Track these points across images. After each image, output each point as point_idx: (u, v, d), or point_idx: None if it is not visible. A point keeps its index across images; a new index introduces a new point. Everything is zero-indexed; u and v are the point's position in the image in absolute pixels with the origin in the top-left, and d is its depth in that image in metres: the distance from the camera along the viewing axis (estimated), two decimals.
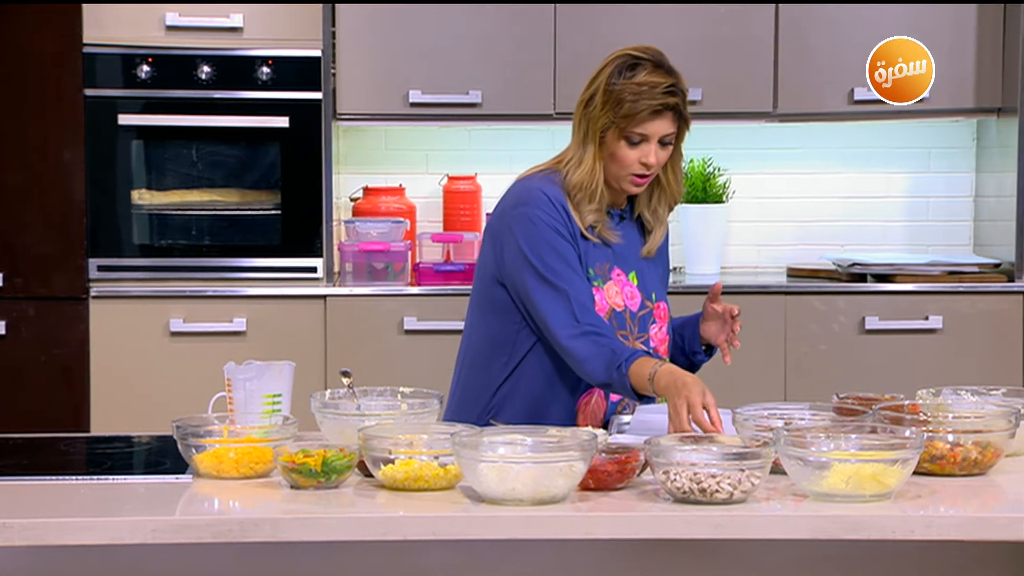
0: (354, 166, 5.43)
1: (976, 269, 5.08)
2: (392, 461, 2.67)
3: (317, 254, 4.97)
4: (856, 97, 5.09)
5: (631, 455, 2.69)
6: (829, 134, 5.49)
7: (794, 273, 5.33)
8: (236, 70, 4.94)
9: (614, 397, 3.25)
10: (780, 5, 5.08)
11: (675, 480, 2.58)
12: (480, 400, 3.27)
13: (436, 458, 2.68)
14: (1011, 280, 5.04)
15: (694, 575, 2.80)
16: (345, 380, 3.07)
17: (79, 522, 2.52)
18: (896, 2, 5.08)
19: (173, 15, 4.90)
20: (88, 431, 4.83)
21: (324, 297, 4.94)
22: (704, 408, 2.95)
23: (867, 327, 4.99)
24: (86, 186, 4.90)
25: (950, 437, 2.78)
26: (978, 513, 2.61)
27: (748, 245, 5.51)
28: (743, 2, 5.08)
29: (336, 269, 5.12)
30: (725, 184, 5.35)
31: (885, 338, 4.99)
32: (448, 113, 5.09)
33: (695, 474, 2.57)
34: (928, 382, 3.33)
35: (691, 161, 5.36)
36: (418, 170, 5.43)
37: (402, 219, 5.15)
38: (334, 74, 5.00)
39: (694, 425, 2.93)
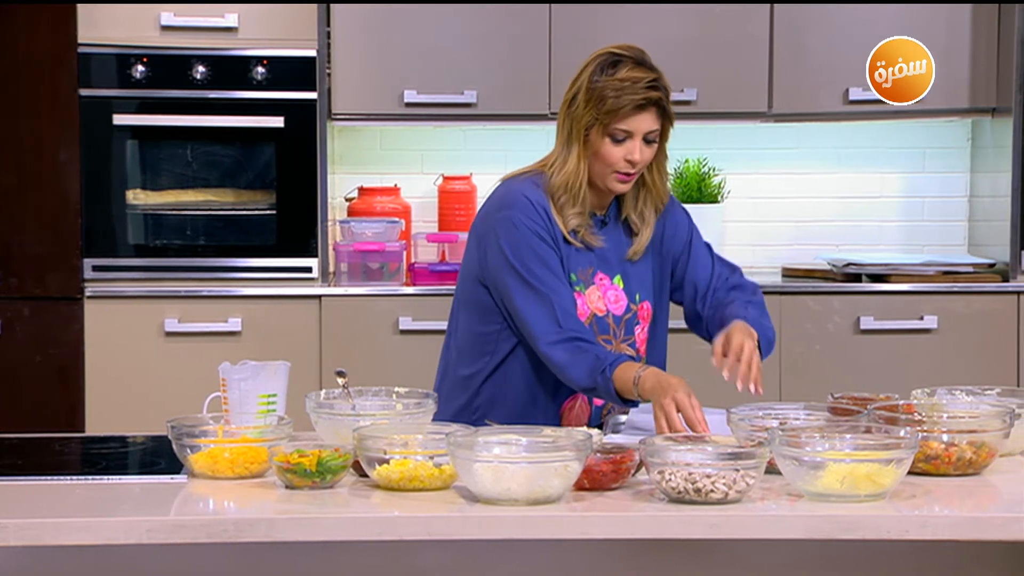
0: (349, 166, 5.43)
1: (971, 269, 5.09)
2: (387, 461, 2.67)
3: (312, 254, 4.97)
4: (851, 97, 5.09)
5: (626, 455, 2.69)
6: (824, 134, 5.49)
7: (789, 273, 5.33)
8: (231, 70, 4.94)
9: (598, 402, 3.24)
10: (775, 5, 5.08)
11: (670, 480, 2.58)
12: (464, 394, 3.27)
13: (431, 458, 2.68)
14: (1006, 280, 5.04)
15: (689, 575, 2.80)
16: (340, 380, 3.07)
17: (74, 522, 2.52)
18: (892, 2, 5.08)
19: (168, 15, 4.90)
20: (83, 431, 4.83)
21: (319, 297, 4.94)
22: (680, 408, 2.96)
23: (862, 327, 4.99)
24: (81, 186, 4.89)
25: (945, 437, 2.78)
26: (973, 513, 2.61)
27: (743, 245, 5.51)
28: (738, 2, 5.08)
29: (331, 269, 5.12)
30: (720, 184, 5.35)
31: (880, 338, 5.00)
32: (443, 113, 5.09)
33: (690, 474, 2.57)
34: (923, 382, 3.33)
35: (686, 161, 5.36)
36: (413, 170, 5.43)
37: (397, 219, 5.15)
38: (329, 74, 5.00)
39: (684, 424, 2.94)
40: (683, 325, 5.03)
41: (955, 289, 5.02)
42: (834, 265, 5.16)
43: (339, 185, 5.37)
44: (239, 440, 2.80)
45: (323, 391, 3.09)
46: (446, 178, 5.33)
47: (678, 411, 2.97)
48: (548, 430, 2.77)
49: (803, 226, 5.53)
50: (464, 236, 5.12)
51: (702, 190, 5.31)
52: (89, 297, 4.90)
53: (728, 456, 2.61)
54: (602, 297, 3.24)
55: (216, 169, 5.00)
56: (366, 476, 2.72)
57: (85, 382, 4.90)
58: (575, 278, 3.21)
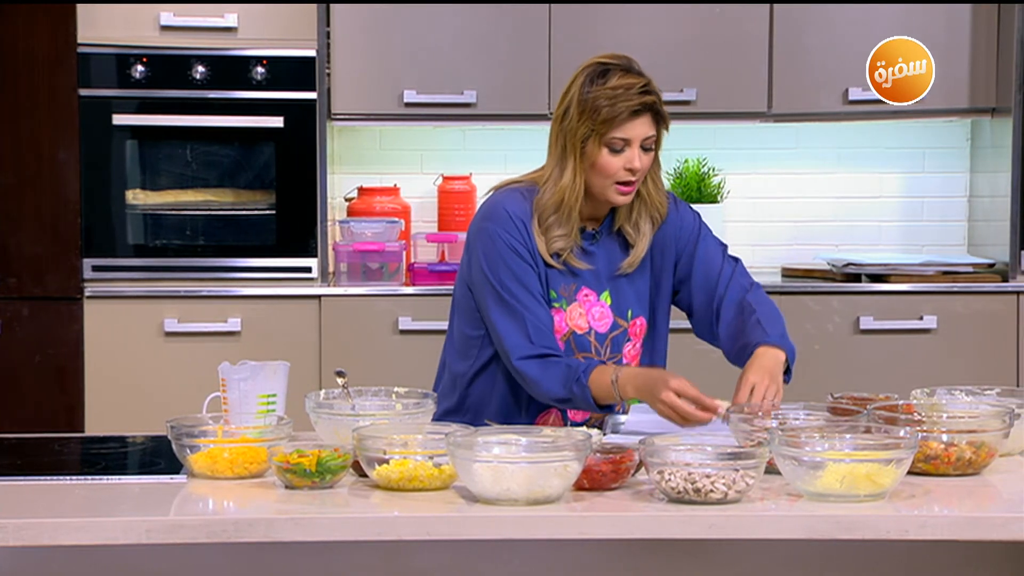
0: (349, 166, 5.43)
1: (970, 269, 5.09)
2: (387, 461, 2.67)
3: (312, 254, 4.97)
4: (851, 97, 5.09)
5: (625, 455, 2.69)
6: (824, 134, 5.49)
7: (789, 273, 5.33)
8: (231, 70, 4.94)
9: (572, 415, 3.23)
10: (775, 5, 5.08)
11: (670, 480, 2.58)
12: (455, 393, 3.28)
13: (431, 458, 2.68)
14: (1005, 280, 5.04)
15: (689, 575, 2.80)
16: (339, 380, 3.07)
17: (73, 522, 2.52)
18: (891, 2, 5.08)
19: (167, 15, 4.90)
20: (82, 431, 4.83)
21: (319, 297, 4.94)
22: (680, 395, 2.94)
23: (862, 327, 4.99)
24: (80, 186, 4.89)
25: (944, 437, 2.78)
26: (972, 513, 2.61)
27: (743, 245, 5.50)
28: (738, 2, 5.08)
29: (331, 269, 5.12)
30: (720, 184, 5.36)
31: (880, 338, 5.00)
32: (443, 113, 5.09)
33: (690, 474, 2.57)
34: (922, 382, 3.33)
35: (686, 161, 5.36)
36: (413, 170, 5.43)
37: (397, 219, 5.15)
38: (329, 74, 5.00)
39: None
40: (684, 325, 5.04)
41: (955, 289, 5.02)
42: (834, 265, 5.16)
43: (339, 185, 5.37)
44: (239, 440, 2.80)
45: (323, 391, 3.09)
46: (446, 178, 5.33)
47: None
48: (548, 430, 2.78)
49: (803, 226, 5.53)
50: (463, 236, 5.13)
51: (702, 190, 5.32)
52: (89, 297, 4.90)
53: (727, 456, 2.61)
54: (585, 314, 3.22)
55: (216, 169, 5.00)
56: (366, 476, 2.72)
57: (84, 382, 4.89)
58: (555, 295, 3.20)
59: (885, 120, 5.30)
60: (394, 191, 5.31)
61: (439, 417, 3.14)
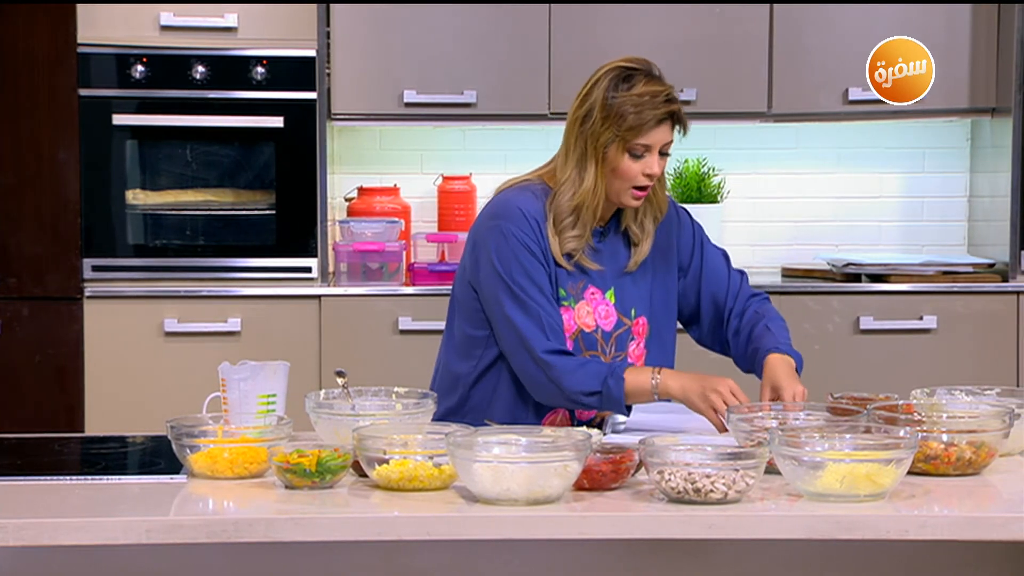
0: (349, 166, 5.43)
1: (970, 269, 5.09)
2: (387, 461, 2.67)
3: (312, 254, 4.97)
4: (851, 97, 5.09)
5: (625, 455, 2.69)
6: (824, 134, 5.49)
7: (789, 273, 5.33)
8: (231, 70, 4.94)
9: (580, 415, 3.23)
10: (775, 5, 5.08)
11: (670, 480, 2.58)
12: (455, 394, 3.28)
13: (431, 458, 2.68)
14: (1005, 280, 5.04)
15: (689, 575, 2.80)
16: (339, 380, 3.07)
17: (73, 522, 2.52)
18: (892, 2, 5.08)
19: (167, 15, 4.90)
20: (82, 431, 4.83)
21: (319, 297, 4.94)
22: (734, 394, 3.04)
23: (862, 327, 4.99)
24: (80, 186, 4.89)
25: (944, 437, 2.78)
26: (972, 513, 2.61)
27: (743, 245, 5.51)
28: (738, 2, 5.08)
29: (331, 269, 5.12)
30: (720, 184, 5.36)
31: (879, 338, 5.00)
32: (443, 113, 5.09)
33: (690, 474, 2.57)
34: (922, 382, 3.33)
35: (686, 161, 5.36)
36: (413, 170, 5.43)
37: (397, 219, 5.15)
38: (329, 74, 5.00)
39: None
40: None
41: (955, 289, 5.02)
42: (833, 265, 5.16)
43: (339, 185, 5.37)
44: (239, 440, 2.80)
45: (323, 391, 3.09)
46: (446, 178, 5.33)
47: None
48: (548, 430, 2.78)
49: (802, 226, 5.53)
50: (464, 236, 5.13)
51: (702, 190, 5.32)
52: (88, 297, 4.90)
53: (728, 456, 2.61)
54: (592, 312, 3.23)
55: (215, 169, 5.00)
56: (366, 476, 2.72)
57: (84, 382, 4.89)
58: (564, 293, 3.20)
59: (885, 120, 5.30)
60: (394, 191, 5.31)
61: (439, 417, 3.14)
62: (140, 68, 4.90)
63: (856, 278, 5.07)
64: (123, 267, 4.94)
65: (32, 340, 4.88)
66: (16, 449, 3.14)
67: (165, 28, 4.91)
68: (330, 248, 5.08)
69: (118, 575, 2.73)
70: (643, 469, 2.66)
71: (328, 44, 4.99)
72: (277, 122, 4.95)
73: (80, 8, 4.86)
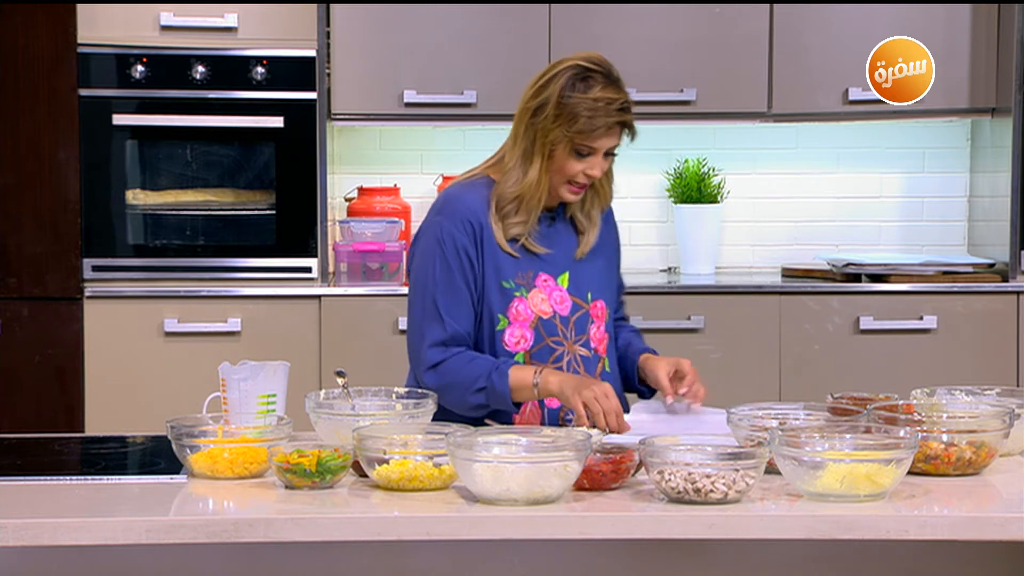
0: (349, 166, 5.43)
1: (970, 269, 5.09)
2: (387, 461, 2.67)
3: (312, 254, 4.97)
4: (851, 97, 5.09)
5: (625, 455, 2.69)
6: (824, 134, 5.49)
7: (789, 273, 5.33)
8: (231, 70, 4.94)
9: (549, 402, 3.23)
10: (775, 5, 5.08)
11: (670, 480, 2.58)
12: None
13: (431, 458, 2.68)
14: (1005, 280, 5.04)
15: (689, 575, 2.80)
16: (340, 380, 3.07)
17: (73, 522, 2.52)
18: (892, 2, 5.08)
19: (167, 15, 4.90)
20: (82, 431, 4.83)
21: (319, 297, 4.94)
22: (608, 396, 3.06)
23: (862, 327, 4.99)
24: (80, 186, 4.89)
25: (944, 437, 2.78)
26: (972, 513, 2.61)
27: (743, 245, 5.51)
28: (737, 2, 5.08)
29: (331, 269, 5.12)
30: (720, 184, 5.36)
31: (879, 338, 5.00)
32: (443, 113, 5.09)
33: (690, 474, 2.57)
34: (922, 382, 3.33)
35: (686, 161, 5.36)
36: (413, 170, 5.43)
37: (397, 219, 5.15)
38: (329, 74, 5.00)
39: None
40: (684, 325, 5.04)
41: (955, 289, 5.02)
42: (833, 265, 5.16)
43: (339, 185, 5.37)
44: (239, 440, 2.80)
45: (323, 391, 3.09)
46: (446, 178, 5.33)
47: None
48: (548, 430, 2.78)
49: (802, 226, 5.53)
50: None
51: (701, 190, 5.32)
52: (88, 297, 4.90)
53: (728, 456, 2.61)
54: (547, 299, 3.23)
55: (215, 169, 5.00)
56: (366, 476, 2.72)
57: (84, 382, 4.90)
58: (511, 284, 3.21)
59: (885, 120, 5.30)
60: (394, 191, 5.31)
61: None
62: (140, 68, 4.91)
63: (856, 278, 5.07)
64: (123, 267, 4.94)
65: (32, 340, 4.88)
66: (16, 449, 3.14)
67: (165, 28, 4.91)
68: (330, 248, 5.08)
69: (118, 575, 2.73)
70: (643, 469, 2.66)
71: (328, 44, 4.99)
72: (277, 122, 4.95)
73: (80, 8, 4.86)
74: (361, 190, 5.29)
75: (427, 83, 5.05)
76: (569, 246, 3.29)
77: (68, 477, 2.78)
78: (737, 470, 2.57)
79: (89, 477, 2.79)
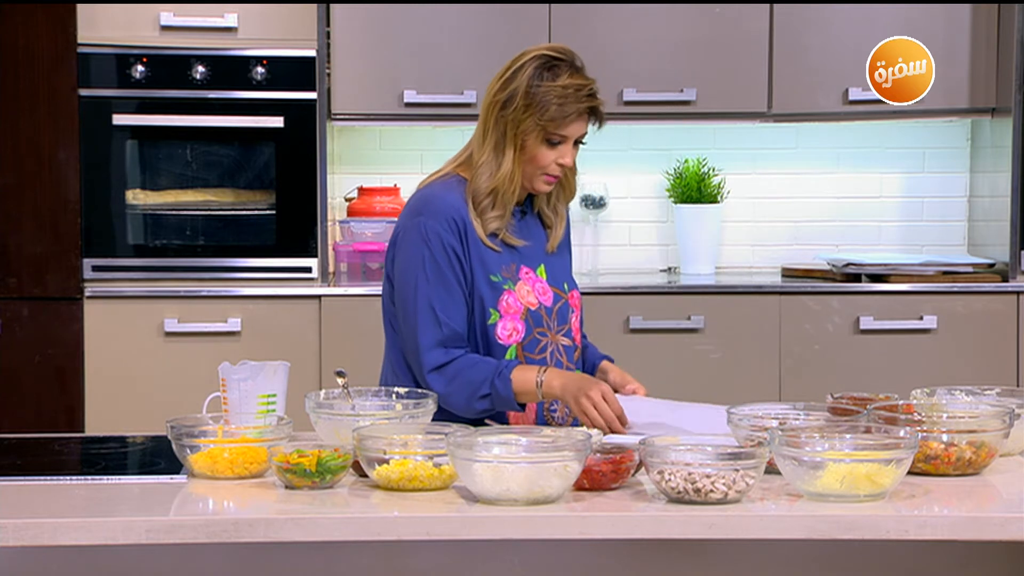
0: (349, 166, 5.43)
1: (970, 269, 5.09)
2: (387, 461, 2.67)
3: (312, 254, 4.97)
4: (851, 97, 5.09)
5: (625, 455, 2.69)
6: (824, 134, 5.49)
7: (789, 273, 5.33)
8: (231, 70, 4.94)
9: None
10: (775, 5, 5.08)
11: (670, 480, 2.58)
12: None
13: (431, 458, 2.68)
14: (1005, 280, 5.04)
15: (689, 575, 2.80)
16: (340, 380, 3.07)
17: (73, 522, 2.51)
18: (892, 2, 5.08)
19: (167, 15, 4.90)
20: (82, 431, 4.83)
21: (319, 297, 4.93)
22: (606, 400, 3.09)
23: (862, 327, 4.99)
24: (80, 186, 4.89)
25: (944, 437, 2.78)
26: (972, 513, 2.61)
27: (743, 245, 5.51)
28: (737, 2, 5.08)
29: (331, 269, 5.12)
30: (720, 184, 5.36)
31: (880, 338, 5.00)
32: (443, 113, 5.09)
33: (690, 474, 2.57)
34: (922, 382, 3.33)
35: (686, 161, 5.36)
36: (413, 170, 5.42)
37: (397, 219, 5.14)
38: (329, 74, 5.00)
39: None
40: (684, 325, 5.04)
41: (955, 289, 5.02)
42: (833, 265, 5.16)
43: (339, 185, 5.37)
44: (239, 440, 2.80)
45: (323, 391, 3.09)
46: None
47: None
48: (548, 430, 2.78)
49: (802, 226, 5.53)
50: None
51: (701, 190, 5.32)
52: (88, 297, 4.90)
53: (728, 456, 2.61)
54: (532, 291, 3.27)
55: (215, 169, 5.00)
56: (366, 476, 2.72)
57: (84, 382, 4.89)
58: (499, 278, 3.23)
59: (885, 120, 5.30)
60: (394, 191, 5.30)
61: None
62: (140, 68, 4.90)
63: (856, 278, 5.07)
64: (123, 267, 4.94)
65: (32, 340, 4.88)
66: (16, 449, 3.14)
67: (165, 28, 4.91)
68: (330, 248, 5.08)
69: (118, 575, 2.73)
70: (643, 469, 2.66)
71: (328, 44, 4.99)
72: (277, 122, 4.95)
73: (80, 8, 4.86)
74: (361, 190, 5.29)
75: (427, 83, 5.05)
76: (540, 240, 3.33)
77: (68, 477, 2.78)
78: (737, 470, 2.57)
79: (89, 477, 2.79)
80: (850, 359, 4.98)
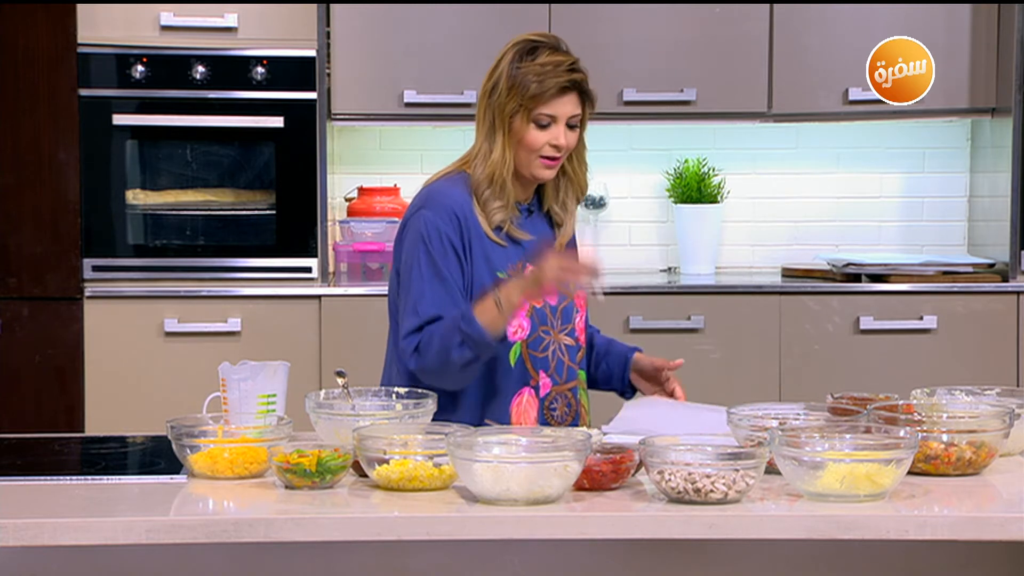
0: (349, 166, 5.43)
1: (970, 269, 5.09)
2: (387, 461, 2.67)
3: (312, 254, 4.97)
4: (851, 97, 5.09)
5: (625, 455, 2.69)
6: (824, 134, 5.49)
7: (789, 273, 5.33)
8: (231, 70, 4.94)
9: (545, 388, 3.24)
10: (775, 5, 5.08)
11: (670, 480, 2.58)
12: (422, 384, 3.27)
13: (431, 458, 2.68)
14: (1005, 280, 5.04)
15: (689, 575, 2.80)
16: (340, 380, 3.07)
17: (73, 522, 2.52)
18: (892, 2, 5.08)
19: (167, 15, 4.90)
20: (82, 431, 4.83)
21: (319, 297, 4.94)
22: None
23: (862, 327, 4.99)
24: (80, 186, 4.89)
25: (944, 437, 2.78)
26: (972, 513, 2.61)
27: (743, 245, 5.51)
28: (737, 2, 5.08)
29: (331, 269, 5.12)
30: (720, 184, 5.36)
31: (880, 338, 5.00)
32: (443, 113, 5.09)
33: (690, 474, 2.57)
34: (922, 382, 3.33)
35: (686, 161, 5.36)
36: (413, 170, 5.43)
37: (397, 219, 5.15)
38: (329, 74, 5.00)
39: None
40: (684, 325, 5.04)
41: (955, 289, 5.02)
42: (833, 265, 5.16)
43: (339, 185, 5.37)
44: (239, 440, 2.80)
45: (323, 391, 3.09)
46: None
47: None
48: (548, 430, 2.78)
49: (802, 226, 5.53)
50: None
51: (701, 190, 5.32)
52: (88, 297, 4.90)
53: (728, 456, 2.61)
54: None
55: (215, 169, 5.00)
56: (366, 476, 2.72)
57: (84, 382, 4.89)
58: (506, 275, 3.22)
59: (885, 120, 5.30)
60: (394, 191, 5.30)
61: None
62: (140, 68, 4.90)
63: (856, 278, 5.07)
64: (123, 267, 4.94)
65: (32, 340, 4.88)
66: (16, 449, 3.14)
67: (165, 28, 4.91)
68: (330, 248, 5.08)
69: (118, 575, 2.73)
70: (643, 469, 2.66)
71: (328, 44, 4.99)
72: (277, 122, 4.95)
73: (80, 8, 4.86)
74: (361, 190, 5.29)
75: (427, 83, 5.05)
76: (548, 238, 3.32)
77: (68, 477, 2.78)
78: (737, 470, 2.57)
79: (89, 477, 2.79)
80: (850, 359, 4.98)
